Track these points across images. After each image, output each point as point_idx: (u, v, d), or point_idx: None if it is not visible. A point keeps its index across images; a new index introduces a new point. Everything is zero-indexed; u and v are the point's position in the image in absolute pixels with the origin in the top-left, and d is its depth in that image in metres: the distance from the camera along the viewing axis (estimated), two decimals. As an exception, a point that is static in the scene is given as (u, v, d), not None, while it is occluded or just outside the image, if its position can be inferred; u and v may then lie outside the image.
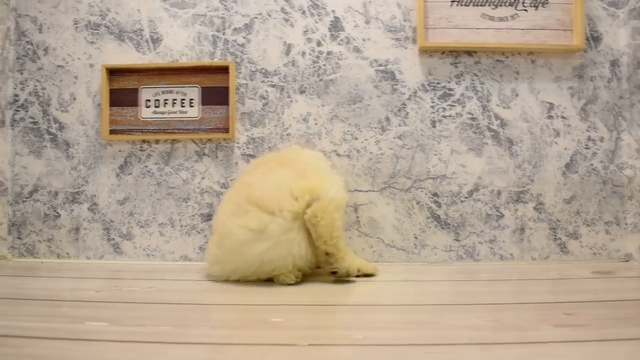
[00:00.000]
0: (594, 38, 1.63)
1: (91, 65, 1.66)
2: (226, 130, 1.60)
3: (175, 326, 0.94)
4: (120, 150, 1.64)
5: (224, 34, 1.63)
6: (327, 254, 1.26)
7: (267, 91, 1.62)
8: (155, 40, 1.65)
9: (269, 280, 1.30)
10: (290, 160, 1.34)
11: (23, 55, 1.67)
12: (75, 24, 1.67)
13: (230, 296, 1.21)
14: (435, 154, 1.61)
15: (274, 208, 1.24)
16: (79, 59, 1.66)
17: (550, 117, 1.62)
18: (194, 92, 1.62)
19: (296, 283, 1.28)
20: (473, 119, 1.61)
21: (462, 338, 0.86)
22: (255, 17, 1.63)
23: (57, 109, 1.66)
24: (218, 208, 1.37)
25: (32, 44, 1.67)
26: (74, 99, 1.66)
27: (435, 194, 1.61)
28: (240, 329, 0.94)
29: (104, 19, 1.66)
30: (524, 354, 0.78)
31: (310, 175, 1.28)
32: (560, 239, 1.61)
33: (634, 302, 1.10)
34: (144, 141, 1.64)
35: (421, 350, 0.80)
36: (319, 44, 1.62)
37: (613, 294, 1.18)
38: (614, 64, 1.64)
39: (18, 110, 1.67)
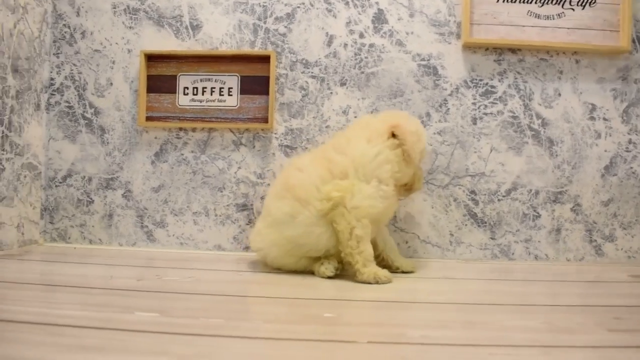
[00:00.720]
0: (639, 40, 1.62)
1: (129, 51, 1.64)
2: (265, 120, 1.59)
3: (227, 319, 0.93)
4: (156, 137, 1.64)
5: (265, 22, 1.62)
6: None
7: (307, 82, 1.61)
8: (195, 27, 1.64)
9: (310, 273, 1.30)
10: (345, 150, 1.28)
11: (60, 39, 1.66)
12: (114, 8, 1.65)
13: (274, 289, 1.20)
14: (475, 152, 1.60)
15: (304, 200, 1.25)
16: (116, 43, 1.65)
17: (592, 118, 1.61)
18: (233, 81, 1.61)
19: (335, 276, 1.28)
20: (514, 117, 1.60)
21: (521, 340, 0.86)
22: (298, 7, 1.62)
23: (93, 94, 1.65)
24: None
25: (69, 27, 1.66)
26: (111, 84, 1.65)
27: (472, 192, 1.60)
28: (293, 323, 0.94)
29: (143, 4, 1.64)
30: (586, 357, 0.77)
31: (350, 176, 1.26)
32: (595, 241, 1.60)
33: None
34: (180, 129, 1.63)
35: (484, 351, 0.79)
36: (361, 35, 1.61)
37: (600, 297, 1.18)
38: (658, 66, 1.62)
39: (53, 94, 1.66)
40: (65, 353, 0.72)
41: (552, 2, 1.59)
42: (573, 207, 1.60)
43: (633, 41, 1.61)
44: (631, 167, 1.61)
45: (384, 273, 1.24)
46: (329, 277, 1.27)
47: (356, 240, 1.23)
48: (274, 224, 1.30)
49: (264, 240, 1.32)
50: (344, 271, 1.31)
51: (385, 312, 1.04)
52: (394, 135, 1.27)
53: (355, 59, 1.60)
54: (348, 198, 1.22)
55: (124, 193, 1.63)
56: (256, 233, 1.36)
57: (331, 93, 1.60)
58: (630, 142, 1.61)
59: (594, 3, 1.59)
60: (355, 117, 1.60)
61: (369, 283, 1.22)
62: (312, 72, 1.61)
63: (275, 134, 1.61)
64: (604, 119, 1.61)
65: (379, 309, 1.06)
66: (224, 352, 0.76)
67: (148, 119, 1.62)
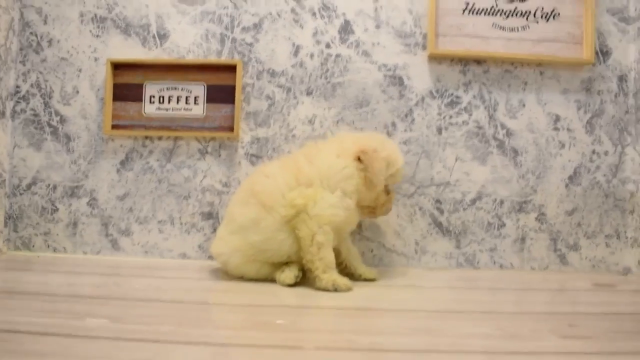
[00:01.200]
0: (603, 52, 1.64)
1: (96, 59, 1.64)
2: (230, 129, 1.59)
3: (179, 325, 0.93)
4: (121, 146, 1.63)
5: (232, 32, 1.63)
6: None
7: (273, 91, 1.62)
8: (162, 36, 1.64)
9: (272, 281, 1.30)
10: (314, 159, 1.30)
11: (26, 47, 1.66)
12: (81, 16, 1.65)
13: (232, 296, 1.19)
14: (440, 161, 1.61)
15: (269, 206, 1.26)
16: (83, 52, 1.65)
17: (556, 128, 1.63)
18: (199, 90, 1.61)
19: (296, 284, 1.28)
20: (479, 127, 1.61)
21: (472, 346, 0.86)
22: (265, 17, 1.63)
23: (59, 102, 1.64)
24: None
25: (36, 35, 1.66)
26: (77, 92, 1.64)
27: (438, 201, 1.60)
28: (244, 330, 0.93)
29: (110, 13, 1.64)
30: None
31: (315, 184, 1.27)
32: (560, 250, 1.62)
33: (635, 315, 1.11)
34: (146, 137, 1.63)
35: (428, 357, 0.79)
36: (328, 46, 1.62)
37: (614, 307, 1.19)
38: (622, 79, 1.65)
39: (19, 102, 1.65)
40: (8, 359, 0.71)
41: (516, 15, 1.61)
42: (537, 216, 1.61)
43: (596, 53, 1.64)
44: (595, 177, 1.63)
45: (343, 281, 1.24)
46: (290, 285, 1.27)
47: (317, 246, 1.23)
48: (238, 230, 1.30)
49: (227, 246, 1.32)
50: (305, 279, 1.31)
51: (339, 319, 1.04)
52: (359, 159, 1.28)
53: (322, 69, 1.61)
54: (311, 205, 1.23)
55: (89, 201, 1.62)
56: (218, 239, 1.36)
57: (297, 102, 1.61)
58: (594, 152, 1.63)
59: (557, 16, 1.62)
60: (321, 126, 1.60)
61: (328, 290, 1.22)
62: (278, 82, 1.61)
63: (241, 142, 1.61)
64: (568, 129, 1.63)
65: (334, 316, 1.05)
66: (168, 357, 0.75)
67: (114, 127, 1.61)
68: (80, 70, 1.64)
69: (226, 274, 1.38)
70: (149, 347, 0.80)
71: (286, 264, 1.31)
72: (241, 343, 0.84)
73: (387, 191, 1.35)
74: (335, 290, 1.22)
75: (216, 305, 1.12)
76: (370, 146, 1.28)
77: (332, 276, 1.23)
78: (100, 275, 1.35)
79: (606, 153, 1.63)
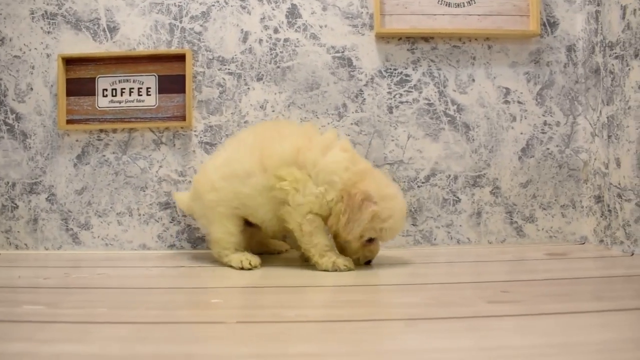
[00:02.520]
0: (550, 24, 1.65)
1: (48, 55, 1.65)
2: (183, 118, 1.61)
3: (113, 308, 0.95)
4: (77, 140, 1.64)
5: (181, 22, 1.64)
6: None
7: (224, 79, 1.63)
8: (112, 30, 1.65)
9: (230, 267, 1.32)
10: (323, 152, 1.26)
11: (-21, 46, 1.67)
12: (32, 13, 1.66)
13: (178, 280, 1.21)
14: (393, 140, 1.62)
15: (266, 167, 1.27)
16: (35, 49, 1.66)
17: (506, 102, 1.64)
18: (151, 81, 1.62)
19: (254, 267, 1.29)
20: (430, 104, 1.63)
21: (393, 314, 0.88)
22: (212, 5, 1.63)
23: (13, 100, 1.66)
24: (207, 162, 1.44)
25: (-13, 34, 1.67)
26: (31, 89, 1.65)
27: (392, 180, 1.62)
28: (175, 309, 0.95)
29: (60, 9, 1.65)
30: (445, 327, 0.79)
31: (306, 170, 1.24)
32: (516, 222, 1.63)
33: (573, 279, 1.12)
34: (101, 130, 1.64)
35: (349, 326, 0.81)
36: (276, 31, 1.63)
37: (555, 273, 1.19)
38: (570, 49, 1.65)
39: (-25, 101, 1.67)
40: None
41: (462, -10, 1.62)
42: (492, 190, 1.63)
43: (544, 25, 1.64)
44: (548, 148, 1.64)
45: (342, 262, 1.23)
46: (248, 269, 1.28)
47: (308, 235, 1.23)
48: (230, 177, 1.28)
49: (216, 193, 1.29)
50: (266, 261, 1.32)
51: (275, 296, 1.05)
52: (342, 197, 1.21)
53: (271, 54, 1.62)
54: (292, 194, 1.23)
55: (48, 197, 1.64)
56: (206, 177, 1.33)
57: (248, 88, 1.62)
58: (545, 123, 1.64)
59: (503, -11, 1.62)
60: (273, 111, 1.61)
61: (328, 271, 1.23)
62: (228, 69, 1.62)
63: (195, 131, 1.62)
64: (519, 102, 1.64)
65: (271, 294, 1.07)
66: (84, 336, 0.77)
67: (69, 122, 1.62)
68: (33, 67, 1.65)
69: (184, 260, 1.39)
70: (73, 327, 0.81)
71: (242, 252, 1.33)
72: (168, 321, 0.85)
73: (369, 240, 1.24)
74: (336, 270, 1.22)
75: (158, 289, 1.13)
76: (367, 192, 1.18)
77: (331, 258, 1.22)
78: (57, 268, 1.36)
79: (558, 124, 1.64)
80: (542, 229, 1.62)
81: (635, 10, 1.40)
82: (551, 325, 0.77)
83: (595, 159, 1.59)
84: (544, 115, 1.63)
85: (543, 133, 1.63)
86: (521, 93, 1.62)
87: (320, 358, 0.66)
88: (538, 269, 1.27)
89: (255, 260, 1.28)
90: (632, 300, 0.95)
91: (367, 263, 1.30)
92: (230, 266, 1.30)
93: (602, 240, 1.56)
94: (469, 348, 0.68)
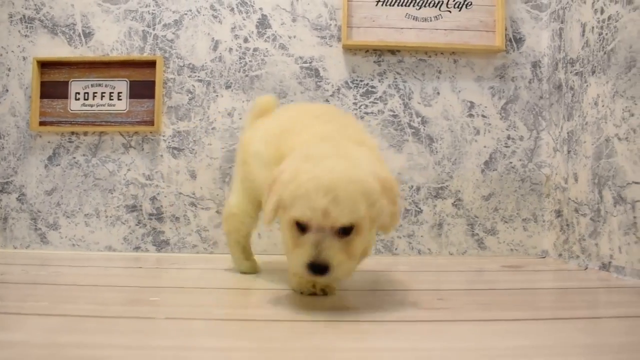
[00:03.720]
0: (516, 40, 1.69)
1: (24, 58, 1.70)
2: (152, 123, 1.65)
3: (54, 302, 0.98)
4: (49, 142, 1.69)
5: (154, 29, 1.68)
6: None
7: (193, 86, 1.67)
8: (87, 35, 1.70)
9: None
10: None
11: (-42, 47, 1.72)
12: (10, 17, 1.71)
13: (130, 280, 1.23)
14: (357, 150, 1.65)
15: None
16: (12, 51, 1.71)
17: (470, 115, 1.67)
18: (122, 86, 1.67)
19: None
20: (394, 116, 1.66)
21: (313, 317, 0.90)
22: (185, 14, 1.68)
23: (-11, 101, 1.71)
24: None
25: (-33, 36, 1.72)
26: (7, 90, 1.70)
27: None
28: (112, 305, 0.98)
29: (38, 13, 1.70)
30: (363, 329, 0.81)
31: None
32: (478, 234, 1.66)
33: (513, 290, 1.14)
34: (72, 133, 1.68)
35: (266, 325, 0.83)
36: (245, 40, 1.67)
37: (500, 284, 1.21)
38: (536, 65, 1.69)
39: (-48, 101, 1.71)
40: None
41: (429, 5, 1.66)
42: (454, 202, 1.66)
43: (510, 41, 1.68)
44: (511, 162, 1.67)
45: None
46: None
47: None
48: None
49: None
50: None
51: (218, 296, 1.08)
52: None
53: (240, 63, 1.67)
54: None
55: (19, 197, 1.68)
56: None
57: (217, 96, 1.66)
58: (509, 137, 1.67)
59: (470, 5, 1.66)
60: (240, 118, 1.65)
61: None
62: (198, 76, 1.67)
63: (163, 136, 1.66)
64: (483, 115, 1.67)
65: (216, 295, 1.10)
66: (25, 325, 0.80)
67: (41, 123, 1.67)
68: (9, 70, 1.70)
69: (149, 263, 1.42)
70: (13, 318, 0.85)
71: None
72: (100, 315, 0.88)
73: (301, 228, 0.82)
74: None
75: (106, 286, 1.16)
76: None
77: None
78: (21, 266, 1.39)
79: (521, 138, 1.67)
80: (504, 241, 1.65)
81: (593, 27, 1.44)
82: (465, 331, 0.79)
83: (556, 174, 1.62)
84: (507, 130, 1.66)
85: (506, 147, 1.66)
86: (485, 107, 1.66)
87: (228, 352, 0.69)
88: (487, 279, 1.30)
89: None
90: (560, 310, 0.97)
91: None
92: None
93: (560, 254, 1.58)
94: (374, 348, 0.70)
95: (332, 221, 0.78)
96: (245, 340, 0.75)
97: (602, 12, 1.39)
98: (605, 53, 1.37)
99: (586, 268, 1.43)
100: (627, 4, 1.28)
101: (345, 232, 0.81)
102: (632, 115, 1.25)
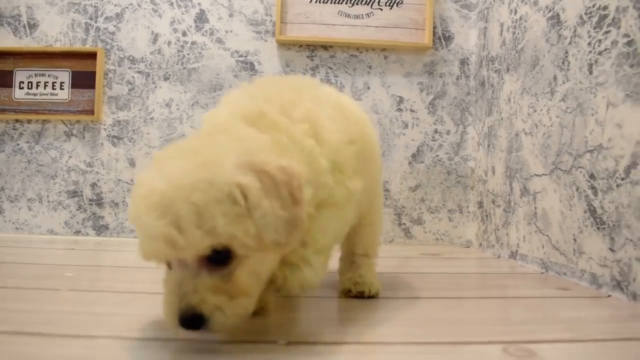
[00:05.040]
0: (445, 37, 1.77)
1: (-29, 48, 1.77)
2: (93, 112, 1.73)
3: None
4: (-6, 129, 1.76)
5: (96, 22, 1.76)
6: None
7: (133, 77, 1.74)
8: (32, 26, 1.77)
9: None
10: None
11: None
12: (-41, 8, 1.78)
13: (56, 259, 1.32)
14: (289, 141, 1.74)
15: None
16: (-40, 41, 1.78)
17: (399, 109, 1.75)
18: (64, 76, 1.74)
19: None
20: (326, 109, 1.74)
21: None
22: (126, 7, 1.75)
23: (-63, 88, 1.77)
24: None
25: None
26: (-46, 79, 1.77)
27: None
28: (28, 279, 1.06)
29: (-15, 4, 1.78)
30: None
31: None
32: (404, 224, 1.74)
33: (432, 274, 1.23)
34: (16, 121, 1.75)
35: (153, 297, 0.92)
36: (184, 34, 1.75)
37: (401, 269, 1.31)
38: (464, 62, 1.77)
39: None
40: None
41: (361, 3, 1.74)
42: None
43: (439, 38, 1.76)
44: (437, 155, 1.75)
45: None
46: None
47: None
48: None
49: None
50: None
51: (127, 274, 1.16)
52: None
53: (178, 56, 1.74)
54: None
55: (-36, 181, 1.76)
56: None
57: (155, 87, 1.74)
58: (436, 131, 1.76)
59: (400, 3, 1.74)
60: (178, 109, 1.73)
61: None
62: (138, 68, 1.74)
63: (104, 125, 1.74)
64: (411, 110, 1.75)
65: (125, 273, 1.18)
66: None
67: (-14, 111, 1.74)
68: (-43, 59, 1.77)
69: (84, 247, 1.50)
70: None
71: None
72: (13, 286, 0.97)
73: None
74: None
75: (31, 264, 1.24)
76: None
77: None
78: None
79: (448, 132, 1.75)
80: (429, 231, 1.74)
81: (509, 27, 1.52)
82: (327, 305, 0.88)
83: (479, 167, 1.71)
84: (435, 124, 1.74)
85: (434, 140, 1.74)
86: (414, 102, 1.74)
87: (106, 316, 0.77)
88: (395, 264, 1.38)
89: None
90: (472, 291, 1.05)
91: None
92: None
93: (481, 244, 1.67)
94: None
95: (182, 251, 0.54)
96: (137, 309, 0.83)
97: (515, 12, 1.47)
98: (517, 52, 1.45)
99: (499, 257, 1.52)
100: (533, 4, 1.37)
101: (220, 260, 0.56)
102: (535, 111, 1.34)
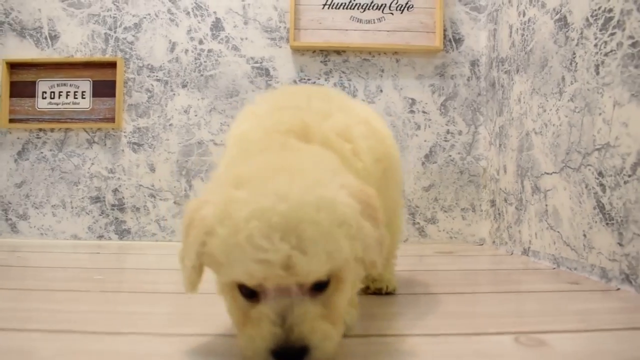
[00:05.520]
0: (456, 40, 1.81)
1: (-5, 60, 1.84)
2: (114, 120, 1.79)
3: (5, 279, 1.12)
4: (18, 138, 1.83)
5: (115, 32, 1.82)
6: None
7: (152, 85, 1.80)
8: (54, 37, 1.83)
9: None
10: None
11: None
12: (-17, 21, 1.85)
13: (82, 262, 1.38)
14: (304, 144, 1.78)
15: None
16: (-16, 53, 1.85)
17: (412, 111, 1.80)
18: (86, 85, 1.80)
19: None
20: (340, 112, 1.79)
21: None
22: (144, 17, 1.82)
23: (-36, 100, 1.84)
24: None
25: (-57, 39, 1.86)
26: (-21, 90, 1.84)
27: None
28: (56, 281, 1.11)
29: (7, 17, 1.84)
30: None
31: None
32: (419, 223, 1.78)
33: (448, 271, 1.27)
34: (40, 129, 1.82)
35: (174, 296, 0.97)
36: (200, 42, 1.81)
37: (414, 266, 1.35)
38: (474, 63, 1.81)
39: None
40: None
41: (373, 8, 1.78)
42: (397, 193, 1.78)
43: (449, 41, 1.80)
44: (450, 155, 1.79)
45: None
46: None
47: None
48: None
49: None
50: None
51: (153, 276, 1.22)
52: None
53: (195, 63, 1.80)
54: None
55: (-9, 189, 1.82)
56: None
57: (174, 94, 1.79)
58: (448, 132, 1.80)
59: (411, 7, 1.78)
60: (196, 115, 1.79)
61: None
62: (156, 76, 1.80)
63: (124, 132, 1.80)
64: (423, 112, 1.80)
65: (149, 275, 1.24)
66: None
67: (11, 121, 1.80)
68: (-18, 71, 1.84)
69: (103, 250, 1.56)
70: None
71: None
72: (42, 288, 1.02)
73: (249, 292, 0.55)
74: None
75: (57, 268, 1.30)
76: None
77: None
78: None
79: (460, 132, 1.79)
80: (443, 230, 1.78)
81: (517, 29, 1.56)
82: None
83: (491, 166, 1.75)
84: (447, 125, 1.78)
85: (446, 141, 1.78)
86: (426, 103, 1.78)
87: (139, 315, 0.82)
88: (410, 263, 1.42)
89: None
90: (490, 286, 1.10)
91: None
92: None
93: (494, 242, 1.71)
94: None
95: (301, 277, 0.50)
96: (161, 307, 0.88)
97: (524, 14, 1.51)
98: (525, 53, 1.49)
99: (512, 253, 1.55)
100: (541, 7, 1.40)
101: (321, 286, 0.53)
102: (545, 110, 1.37)
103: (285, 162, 0.56)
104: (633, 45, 0.99)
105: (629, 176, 0.99)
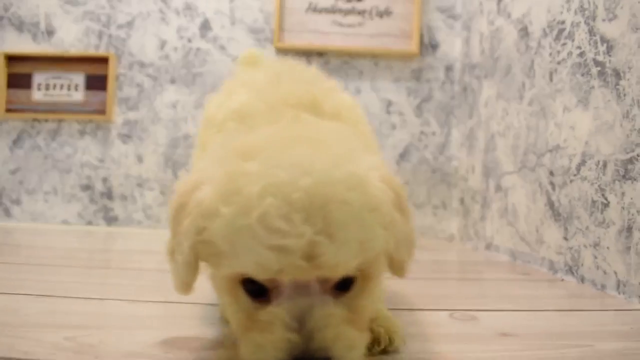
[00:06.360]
0: (432, 45, 1.87)
1: (-6, 52, 1.89)
2: (105, 112, 1.85)
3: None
4: (14, 127, 1.87)
5: (109, 29, 1.88)
6: None
7: (142, 80, 1.86)
8: (50, 32, 1.89)
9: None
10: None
11: None
12: (-17, 15, 1.90)
13: (71, 244, 1.44)
14: (286, 141, 1.85)
15: None
16: (-17, 46, 1.90)
17: (388, 112, 1.86)
18: (79, 79, 1.86)
19: None
20: (320, 111, 1.85)
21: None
22: (137, 16, 1.87)
23: (-38, 89, 1.89)
24: None
25: (-57, 31, 1.91)
26: (-23, 80, 1.89)
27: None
28: (49, 258, 1.17)
29: (7, 12, 1.89)
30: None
31: None
32: (392, 218, 1.85)
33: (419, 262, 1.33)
34: (35, 120, 1.87)
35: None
36: (189, 41, 1.86)
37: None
38: (449, 68, 1.88)
39: None
40: None
41: (354, 13, 1.85)
42: (372, 189, 1.85)
43: (426, 46, 1.87)
44: (423, 155, 1.86)
45: None
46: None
47: None
48: None
49: None
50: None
51: (141, 256, 1.27)
52: None
53: (184, 61, 1.85)
54: None
55: (-14, 175, 1.87)
56: None
57: (163, 90, 1.85)
58: (422, 132, 1.86)
59: (390, 14, 1.85)
60: (183, 110, 1.84)
61: None
62: (147, 72, 1.86)
63: (115, 124, 1.86)
64: (399, 113, 1.86)
65: (133, 255, 1.29)
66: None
67: (7, 111, 1.85)
68: (-20, 62, 1.89)
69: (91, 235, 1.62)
70: None
71: None
72: (36, 263, 1.07)
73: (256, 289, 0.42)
74: None
75: (47, 248, 1.36)
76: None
77: None
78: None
79: (434, 134, 1.86)
80: (415, 225, 1.84)
81: (487, 37, 1.63)
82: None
83: (461, 166, 1.81)
84: (421, 126, 1.85)
85: (420, 141, 1.85)
86: (402, 105, 1.84)
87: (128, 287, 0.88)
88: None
89: None
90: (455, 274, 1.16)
91: None
92: None
93: (462, 237, 1.78)
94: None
95: (326, 270, 0.39)
96: (136, 280, 0.94)
97: (493, 23, 1.58)
98: (493, 60, 1.56)
99: (477, 249, 1.62)
100: (507, 17, 1.47)
101: (345, 284, 0.42)
102: (507, 114, 1.44)
103: (303, 132, 0.45)
104: (580, 55, 1.05)
105: (574, 175, 1.06)
